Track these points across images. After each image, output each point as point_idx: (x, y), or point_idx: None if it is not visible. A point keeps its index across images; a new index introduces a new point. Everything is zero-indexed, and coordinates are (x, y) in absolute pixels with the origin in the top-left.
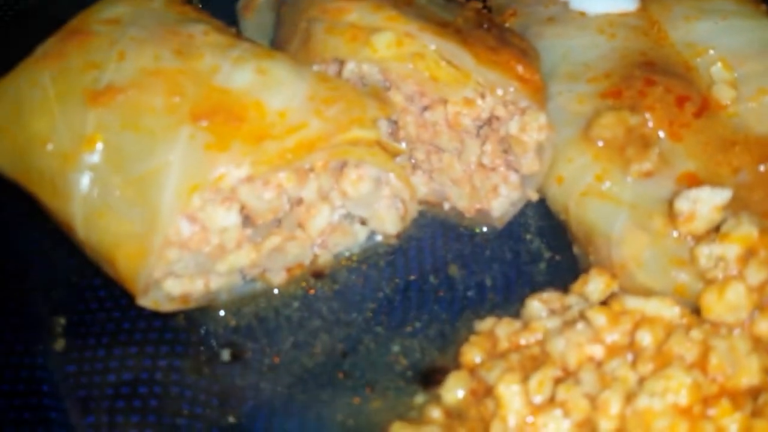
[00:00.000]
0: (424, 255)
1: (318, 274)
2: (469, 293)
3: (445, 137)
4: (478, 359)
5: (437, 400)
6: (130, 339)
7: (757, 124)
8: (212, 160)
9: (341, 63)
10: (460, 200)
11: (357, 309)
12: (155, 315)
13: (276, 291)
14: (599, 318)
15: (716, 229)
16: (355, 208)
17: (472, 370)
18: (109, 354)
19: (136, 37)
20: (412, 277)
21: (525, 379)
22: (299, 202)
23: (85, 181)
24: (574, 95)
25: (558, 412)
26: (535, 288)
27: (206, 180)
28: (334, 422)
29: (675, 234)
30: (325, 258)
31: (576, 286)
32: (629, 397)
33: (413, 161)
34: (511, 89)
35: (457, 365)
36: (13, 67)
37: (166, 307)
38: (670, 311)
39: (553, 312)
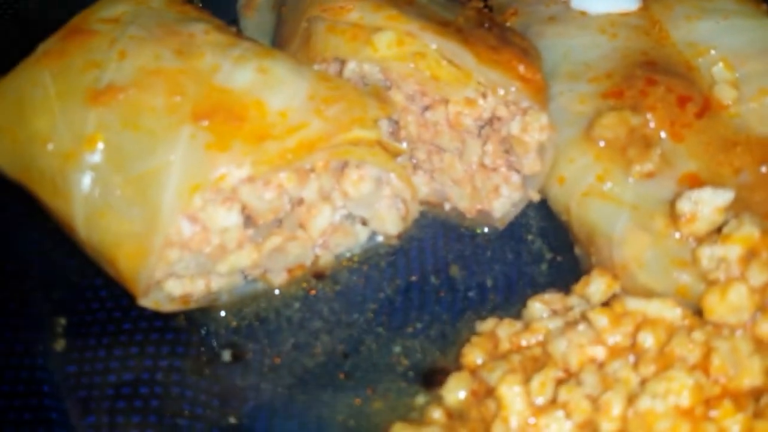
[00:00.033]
0: (426, 255)
1: (319, 275)
2: (471, 294)
3: (446, 137)
4: (479, 360)
5: (438, 401)
6: (131, 339)
7: (759, 124)
8: (213, 160)
9: (342, 62)
10: (462, 201)
11: (358, 310)
12: (156, 315)
13: (277, 291)
14: (601, 319)
15: (718, 230)
16: (356, 208)
17: (474, 371)
18: (110, 354)
19: (137, 36)
20: (414, 278)
21: (526, 380)
22: (300, 202)
23: (85, 180)
24: (575, 95)
25: (560, 413)
26: (537, 289)
27: (207, 180)
28: (334, 423)
29: (677, 235)
30: (326, 258)
31: (577, 287)
32: (631, 399)
33: (414, 161)
34: (513, 89)
35: (458, 366)
36: (13, 66)
37: (167, 307)
38: (672, 312)
39: (554, 313)
